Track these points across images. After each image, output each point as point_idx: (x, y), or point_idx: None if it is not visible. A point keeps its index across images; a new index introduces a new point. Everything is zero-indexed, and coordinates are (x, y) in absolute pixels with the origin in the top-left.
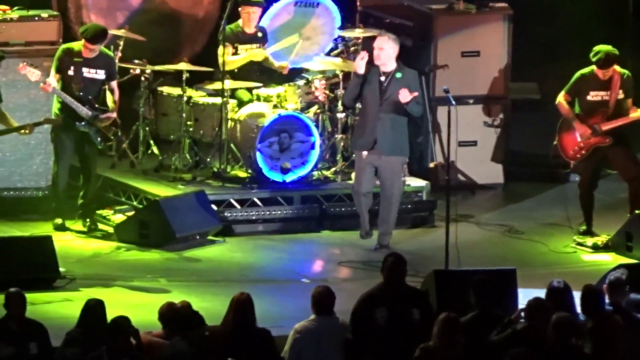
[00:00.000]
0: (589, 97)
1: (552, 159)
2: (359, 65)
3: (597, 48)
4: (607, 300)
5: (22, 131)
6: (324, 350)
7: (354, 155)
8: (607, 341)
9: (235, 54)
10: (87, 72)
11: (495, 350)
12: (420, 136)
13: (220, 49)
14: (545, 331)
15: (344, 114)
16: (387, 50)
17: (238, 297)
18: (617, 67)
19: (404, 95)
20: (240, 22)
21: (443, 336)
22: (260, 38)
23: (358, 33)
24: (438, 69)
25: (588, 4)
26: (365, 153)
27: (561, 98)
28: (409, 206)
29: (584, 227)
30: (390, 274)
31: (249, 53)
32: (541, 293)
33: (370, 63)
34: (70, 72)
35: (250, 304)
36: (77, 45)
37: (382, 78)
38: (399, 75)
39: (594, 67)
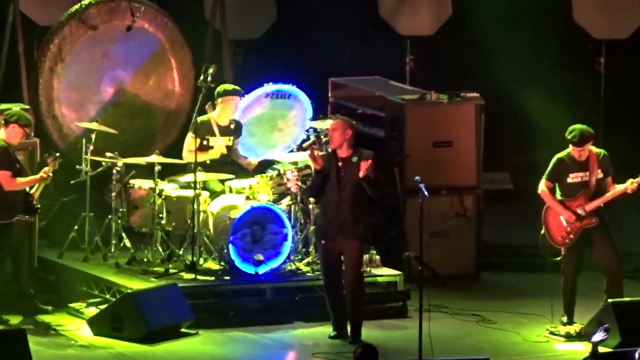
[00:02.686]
0: (569, 180)
1: (540, 248)
2: (313, 160)
3: (572, 127)
4: None
5: None
6: None
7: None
8: None
9: (206, 146)
10: None
11: None
12: (394, 228)
13: (188, 139)
14: None
15: (316, 205)
16: (339, 132)
17: None
18: (592, 148)
19: (362, 169)
20: (214, 114)
21: None
22: (233, 130)
23: (329, 124)
24: (405, 159)
25: (559, 94)
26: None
27: (543, 186)
28: (383, 297)
29: (565, 318)
30: None
31: (212, 152)
32: None
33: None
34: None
35: None
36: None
37: (340, 164)
38: (355, 159)
39: (569, 149)
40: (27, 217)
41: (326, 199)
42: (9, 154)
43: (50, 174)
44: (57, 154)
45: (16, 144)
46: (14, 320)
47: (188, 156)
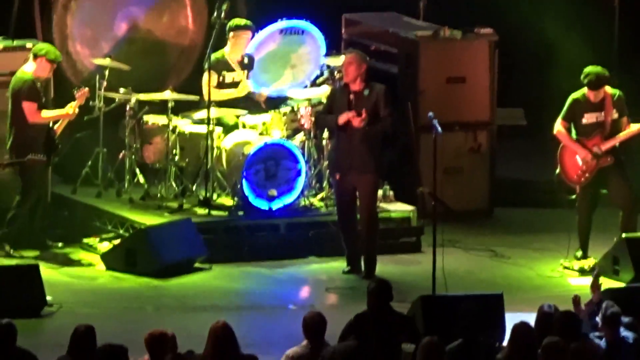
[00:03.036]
0: (584, 120)
1: (556, 186)
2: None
3: (587, 70)
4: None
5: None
6: None
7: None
8: None
9: (222, 82)
10: None
11: None
12: (407, 164)
13: (205, 77)
14: (529, 355)
15: (329, 140)
16: (355, 66)
17: (215, 326)
18: (608, 88)
19: (357, 122)
20: (226, 49)
21: None
22: (246, 65)
23: (343, 60)
24: (420, 93)
25: (574, 28)
26: (337, 176)
27: (559, 126)
28: (397, 232)
29: (580, 253)
30: (374, 300)
31: (234, 90)
32: (529, 317)
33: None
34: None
35: (228, 331)
36: None
37: (351, 97)
38: (366, 92)
39: (585, 89)
40: (40, 155)
41: (339, 132)
42: (36, 88)
43: (77, 110)
44: (86, 89)
45: (43, 78)
46: (28, 254)
47: (210, 94)
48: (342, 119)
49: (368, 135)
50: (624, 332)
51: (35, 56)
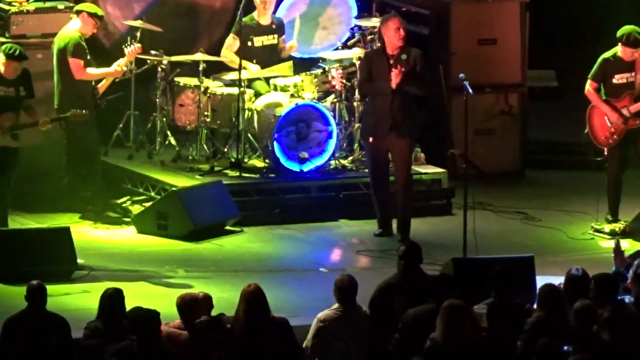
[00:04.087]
0: (614, 80)
1: (584, 147)
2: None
3: (624, 28)
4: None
5: (43, 126)
6: (350, 339)
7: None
8: (625, 329)
9: (251, 46)
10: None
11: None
12: (438, 125)
13: (231, 42)
14: (560, 317)
15: (361, 103)
16: (402, 30)
17: (246, 290)
18: None
19: (395, 77)
20: (255, 13)
21: (448, 325)
22: (276, 29)
23: (375, 22)
24: (451, 55)
25: None
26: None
27: (588, 86)
28: (427, 194)
29: (610, 216)
30: (404, 262)
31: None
32: (559, 280)
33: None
34: None
35: (259, 294)
36: None
37: (391, 61)
38: (404, 56)
39: (616, 50)
40: (84, 111)
41: (377, 96)
42: (82, 45)
43: (125, 68)
44: (139, 45)
45: (88, 35)
46: (60, 219)
47: (225, 55)
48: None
49: (405, 98)
50: None
51: (78, 12)
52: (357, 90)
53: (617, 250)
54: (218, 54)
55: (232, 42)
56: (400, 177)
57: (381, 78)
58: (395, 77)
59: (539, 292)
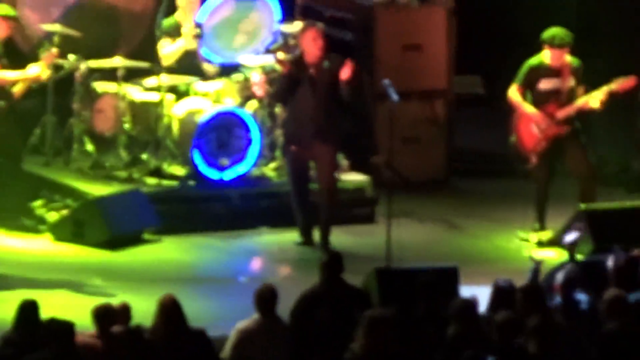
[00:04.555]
0: (541, 86)
1: (511, 154)
2: (281, 64)
3: (549, 30)
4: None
5: None
6: (269, 351)
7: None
8: (552, 338)
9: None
10: None
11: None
12: (363, 133)
13: (161, 45)
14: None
15: (282, 109)
16: (321, 40)
17: (162, 300)
18: (567, 56)
19: (345, 74)
20: (177, 16)
21: (368, 336)
22: (196, 36)
23: (298, 27)
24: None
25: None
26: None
27: (514, 92)
28: (350, 202)
29: (537, 225)
30: (326, 272)
31: (182, 42)
32: (484, 290)
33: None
34: None
35: (175, 305)
36: None
37: (311, 70)
38: (326, 64)
39: (541, 56)
40: None
41: (298, 104)
42: None
43: (41, 73)
44: (55, 49)
45: (2, 37)
46: None
47: (165, 59)
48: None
49: (328, 105)
50: (579, 295)
51: None
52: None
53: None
54: (138, 59)
55: (162, 44)
56: (324, 185)
57: (302, 89)
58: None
59: (451, 307)
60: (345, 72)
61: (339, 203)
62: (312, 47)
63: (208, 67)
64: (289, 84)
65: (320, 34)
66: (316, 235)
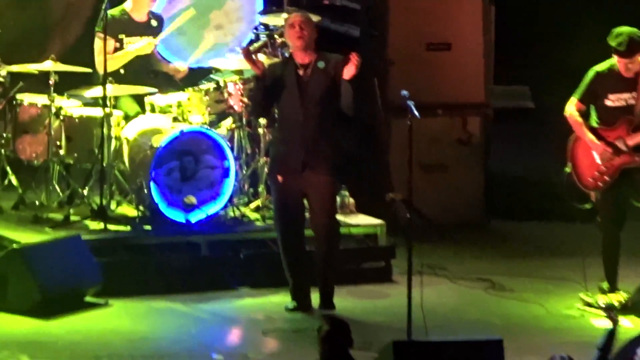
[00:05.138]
0: (608, 102)
1: (565, 190)
2: (250, 62)
3: (617, 30)
4: None
5: None
6: None
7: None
8: None
9: (119, 48)
10: None
11: None
12: (372, 158)
13: (99, 43)
14: None
15: (268, 129)
16: (309, 31)
17: None
18: None
19: (348, 72)
20: (127, 5)
21: None
22: (154, 28)
23: (286, 19)
24: (390, 64)
25: None
26: (280, 178)
27: (571, 108)
28: (359, 254)
29: (605, 285)
30: (328, 346)
31: (135, 47)
32: None
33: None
34: None
35: None
36: None
37: (301, 72)
38: (321, 64)
39: (613, 61)
40: None
41: (284, 119)
42: None
43: None
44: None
45: None
46: None
47: (101, 63)
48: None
49: (324, 123)
50: None
51: None
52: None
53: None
54: (74, 61)
55: (101, 44)
56: (320, 229)
57: (287, 93)
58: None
59: None
60: (349, 70)
61: (340, 254)
62: (290, 37)
63: (173, 69)
64: (263, 91)
65: (303, 20)
66: (314, 297)
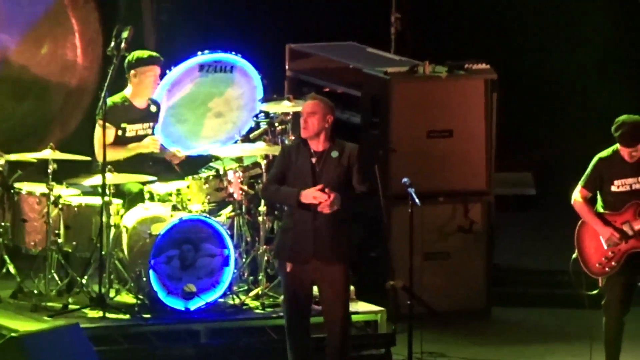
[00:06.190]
0: (613, 188)
1: (572, 276)
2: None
3: (620, 119)
4: None
5: None
6: None
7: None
8: None
9: (121, 136)
10: None
11: None
12: (374, 247)
13: (99, 131)
14: None
15: (268, 217)
16: (318, 117)
17: None
18: None
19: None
20: (127, 91)
21: None
22: (154, 114)
23: (287, 107)
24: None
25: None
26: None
27: (578, 195)
28: (360, 341)
29: None
30: None
31: (138, 144)
32: None
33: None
34: None
35: None
36: None
37: (314, 160)
38: (334, 154)
39: (616, 146)
40: None
41: (295, 209)
42: None
43: None
44: None
45: None
46: None
47: (101, 153)
48: (306, 197)
49: (338, 215)
50: None
51: None
52: (261, 197)
53: None
54: (74, 150)
55: (102, 132)
56: (333, 318)
57: (300, 182)
58: (326, 209)
59: None
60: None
61: (350, 343)
62: (306, 122)
63: (171, 154)
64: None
65: (309, 112)
66: None
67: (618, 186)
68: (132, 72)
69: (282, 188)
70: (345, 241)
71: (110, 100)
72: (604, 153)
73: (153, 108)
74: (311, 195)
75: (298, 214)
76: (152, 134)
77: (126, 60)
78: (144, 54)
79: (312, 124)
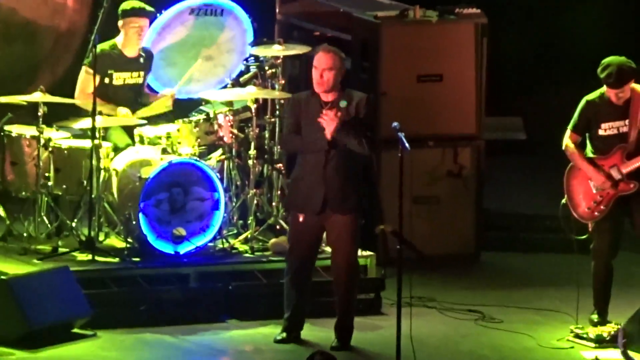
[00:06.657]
0: (600, 132)
1: (561, 221)
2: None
3: (606, 61)
4: None
5: None
6: None
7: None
8: None
9: (108, 83)
10: None
11: None
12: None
13: (84, 76)
14: None
15: (258, 161)
16: (335, 72)
17: None
18: (636, 86)
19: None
20: (118, 39)
21: None
22: (143, 64)
23: (277, 51)
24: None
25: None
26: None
27: (568, 140)
28: None
29: (595, 316)
30: None
31: (156, 104)
32: None
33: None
34: None
35: None
36: None
37: (324, 110)
38: (343, 103)
39: (603, 89)
40: None
41: (305, 158)
42: None
43: None
44: None
45: None
46: None
47: (82, 99)
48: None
49: (345, 158)
50: None
51: None
52: (278, 145)
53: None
54: (63, 93)
55: (86, 78)
56: (341, 264)
57: (312, 130)
58: (329, 124)
59: None
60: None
61: (357, 290)
62: (313, 78)
63: (161, 96)
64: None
65: (326, 68)
66: (307, 329)
67: (605, 129)
68: (120, 21)
69: (303, 139)
70: (355, 190)
71: (99, 47)
72: (591, 95)
73: (143, 58)
74: (328, 125)
75: (309, 164)
76: (144, 82)
77: (120, 8)
78: (129, 5)
79: (328, 79)
